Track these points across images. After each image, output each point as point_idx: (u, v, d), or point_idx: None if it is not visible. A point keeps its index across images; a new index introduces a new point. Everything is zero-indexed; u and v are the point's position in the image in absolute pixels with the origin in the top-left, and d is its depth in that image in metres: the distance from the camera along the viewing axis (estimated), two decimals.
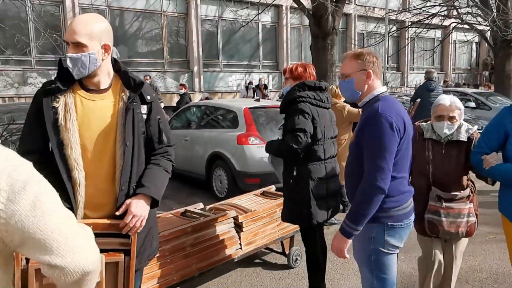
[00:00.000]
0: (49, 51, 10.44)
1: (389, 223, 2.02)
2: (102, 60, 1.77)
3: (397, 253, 2.17)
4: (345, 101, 5.00)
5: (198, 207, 3.68)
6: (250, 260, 3.83)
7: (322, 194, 2.81)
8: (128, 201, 1.79)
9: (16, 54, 10.51)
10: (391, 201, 1.99)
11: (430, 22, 13.18)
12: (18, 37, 8.51)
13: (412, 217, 2.15)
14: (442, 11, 13.32)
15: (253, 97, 11.71)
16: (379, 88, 2.06)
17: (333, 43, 7.76)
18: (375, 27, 15.11)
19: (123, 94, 1.83)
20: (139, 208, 1.77)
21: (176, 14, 13.32)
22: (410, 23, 14.30)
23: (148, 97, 1.88)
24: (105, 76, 1.83)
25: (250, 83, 13.94)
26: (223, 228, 3.30)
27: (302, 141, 2.68)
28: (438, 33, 19.63)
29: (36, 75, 10.87)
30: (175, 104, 11.44)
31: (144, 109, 1.87)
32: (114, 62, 1.88)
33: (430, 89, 7.15)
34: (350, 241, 2.01)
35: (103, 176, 1.81)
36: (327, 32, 7.58)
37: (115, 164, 1.81)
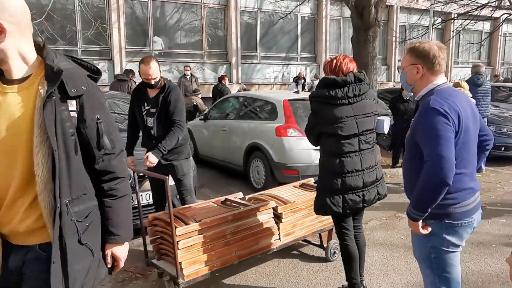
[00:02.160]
0: (94, 41, 10.81)
1: (446, 221, 1.96)
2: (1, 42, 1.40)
3: (460, 251, 2.07)
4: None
5: (237, 196, 3.72)
6: (288, 251, 3.84)
7: (347, 187, 2.78)
8: (108, 252, 1.65)
9: (64, 44, 10.94)
10: (447, 198, 1.92)
11: (478, 14, 12.56)
12: (69, 27, 8.82)
13: (476, 216, 2.03)
14: (492, 2, 12.65)
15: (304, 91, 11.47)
16: (436, 81, 2.01)
17: (375, 35, 7.53)
18: (418, 19, 14.56)
19: (40, 87, 1.44)
20: (121, 253, 1.69)
21: (216, 5, 13.40)
22: (456, 15, 13.70)
23: (73, 90, 1.46)
24: (16, 62, 1.45)
25: (299, 78, 13.35)
26: (263, 218, 3.32)
27: (311, 142, 2.96)
28: (487, 25, 18.69)
29: None
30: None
31: (73, 105, 1.49)
32: (43, 47, 1.51)
33: (478, 83, 6.83)
34: (420, 221, 1.97)
35: (11, 186, 1.44)
36: (370, 24, 7.37)
37: (33, 173, 1.43)
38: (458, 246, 2.02)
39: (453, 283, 2.05)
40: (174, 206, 3.67)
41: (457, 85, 5.94)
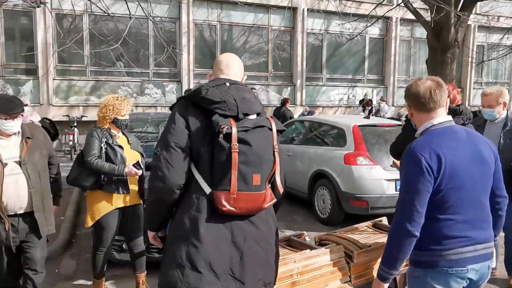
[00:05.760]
0: (164, 64, 11.26)
1: (430, 267, 1.88)
2: None
3: None
4: None
5: (303, 236, 3.45)
6: None
7: None
8: None
9: (136, 67, 11.54)
10: (432, 243, 1.86)
11: None
12: (143, 52, 9.30)
13: (474, 267, 1.86)
14: None
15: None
16: (433, 120, 1.93)
17: (454, 57, 7.05)
18: (501, 38, 13.49)
19: None
20: None
21: (283, 28, 13.45)
22: None
23: None
24: None
25: (368, 102, 12.29)
26: (333, 257, 3.04)
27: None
28: None
29: (152, 86, 11.80)
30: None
31: None
32: None
33: None
34: (386, 285, 1.94)
35: None
36: (448, 45, 6.90)
37: None
38: None
39: None
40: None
41: None
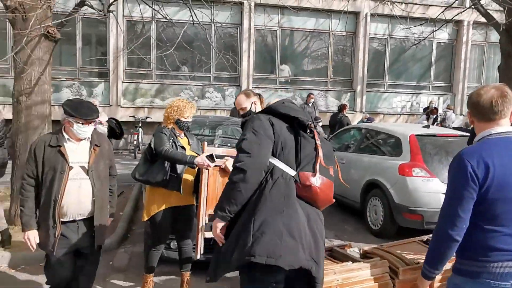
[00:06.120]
0: (225, 69, 11.56)
1: (471, 277, 1.84)
2: None
3: None
4: None
5: (350, 249, 3.36)
6: None
7: None
8: None
9: (198, 71, 11.96)
10: (475, 253, 1.82)
11: None
12: (199, 57, 9.69)
13: None
14: None
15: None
16: (492, 129, 1.86)
17: None
18: None
19: None
20: None
21: (344, 33, 13.21)
22: None
23: None
24: None
25: (433, 111, 11.65)
26: (376, 272, 2.94)
27: None
28: None
29: (212, 90, 12.16)
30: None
31: None
32: None
33: None
34: (429, 282, 2.00)
35: None
36: None
37: None
38: None
39: None
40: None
41: None
